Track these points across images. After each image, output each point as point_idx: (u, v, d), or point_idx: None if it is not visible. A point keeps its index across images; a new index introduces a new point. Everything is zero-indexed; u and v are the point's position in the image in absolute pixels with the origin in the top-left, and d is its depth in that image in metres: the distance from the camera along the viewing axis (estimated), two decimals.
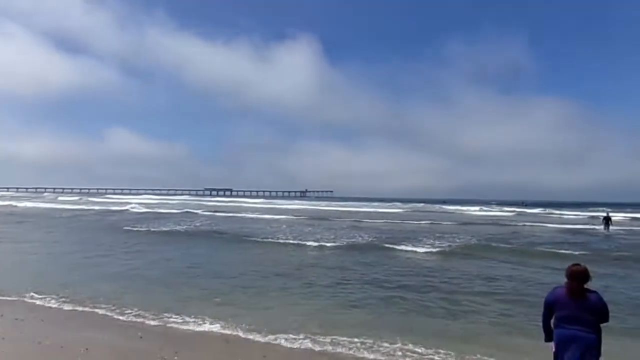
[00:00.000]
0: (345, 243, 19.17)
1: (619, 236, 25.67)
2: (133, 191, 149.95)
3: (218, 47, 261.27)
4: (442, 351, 6.42)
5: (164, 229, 24.68)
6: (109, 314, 8.13)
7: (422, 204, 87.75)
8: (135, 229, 24.32)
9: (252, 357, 6.18)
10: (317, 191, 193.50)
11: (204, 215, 38.62)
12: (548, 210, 63.57)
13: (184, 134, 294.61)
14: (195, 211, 43.63)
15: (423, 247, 18.08)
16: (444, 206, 77.73)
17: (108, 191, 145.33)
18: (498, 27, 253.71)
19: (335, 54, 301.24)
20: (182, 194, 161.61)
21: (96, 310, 8.30)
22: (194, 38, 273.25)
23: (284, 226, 28.02)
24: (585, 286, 4.23)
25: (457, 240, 20.68)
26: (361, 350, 6.48)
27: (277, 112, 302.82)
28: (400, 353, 6.41)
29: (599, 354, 4.18)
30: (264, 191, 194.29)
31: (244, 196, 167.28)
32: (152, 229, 24.30)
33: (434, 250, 17.46)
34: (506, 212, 59.02)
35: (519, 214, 55.35)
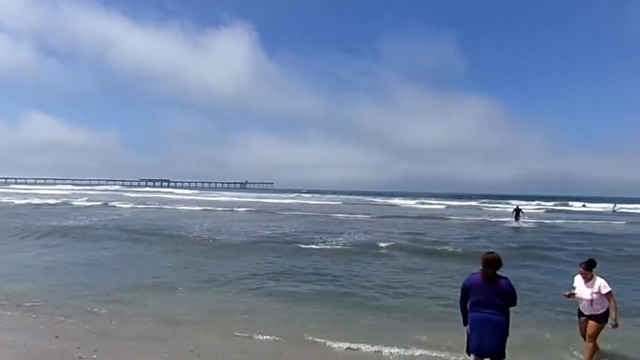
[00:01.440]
0: (250, 239, 18.26)
1: (528, 228, 26.97)
2: (49, 181, 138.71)
3: (148, 29, 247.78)
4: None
5: (54, 223, 21.42)
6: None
7: (357, 197, 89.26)
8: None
9: (182, 350, 6.04)
10: (258, 183, 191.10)
11: (122, 208, 35.99)
12: (481, 202, 67.23)
13: (114, 121, 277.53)
14: (114, 203, 40.61)
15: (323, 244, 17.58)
16: (376, 199, 79.14)
17: (19, 181, 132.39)
18: (429, 25, 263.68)
19: (272, 45, 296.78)
20: (114, 184, 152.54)
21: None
22: (120, 17, 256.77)
23: (201, 220, 26.61)
24: (498, 272, 4.57)
25: (359, 237, 20.47)
26: None
27: (213, 101, 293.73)
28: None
29: (506, 334, 4.56)
30: (202, 182, 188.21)
31: (182, 187, 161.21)
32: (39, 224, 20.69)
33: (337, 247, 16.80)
34: (439, 205, 61.15)
35: (448, 207, 57.57)
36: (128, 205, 38.83)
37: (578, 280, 5.93)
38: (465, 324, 4.79)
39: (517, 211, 29.10)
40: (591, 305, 5.74)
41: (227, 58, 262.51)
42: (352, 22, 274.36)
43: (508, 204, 59.57)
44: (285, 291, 9.66)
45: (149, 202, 45.20)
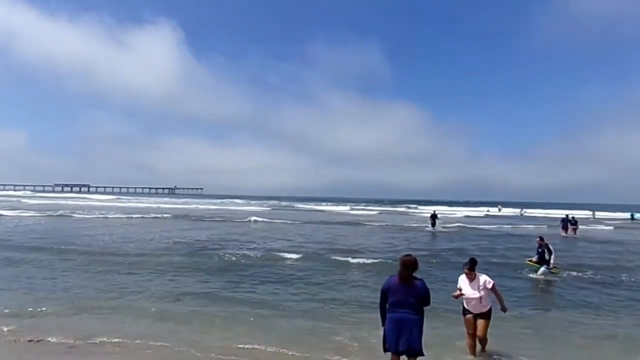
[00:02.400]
0: (149, 247, 16.45)
1: (442, 233, 27.52)
2: None
3: (61, 22, 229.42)
4: None
5: None
6: None
7: (286, 202, 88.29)
8: None
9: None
10: (188, 188, 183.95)
11: (6, 217, 31.73)
12: (408, 207, 69.14)
13: (20, 121, 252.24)
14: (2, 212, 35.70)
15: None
16: (306, 205, 78.67)
17: None
18: (355, 34, 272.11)
19: (199, 45, 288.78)
20: (22, 190, 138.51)
21: None
22: (26, 6, 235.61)
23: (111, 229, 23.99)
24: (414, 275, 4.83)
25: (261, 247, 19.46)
26: None
27: (136, 101, 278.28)
28: None
29: (421, 332, 4.77)
30: (127, 187, 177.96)
31: (105, 193, 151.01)
32: None
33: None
34: (367, 210, 61.86)
35: (381, 212, 58.71)
36: (26, 214, 34.46)
37: (463, 280, 6.08)
38: (383, 324, 4.91)
39: (434, 217, 29.52)
40: (480, 302, 5.90)
41: (151, 57, 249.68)
42: (280, 26, 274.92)
43: (441, 208, 62.05)
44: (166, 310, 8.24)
45: (56, 210, 40.58)
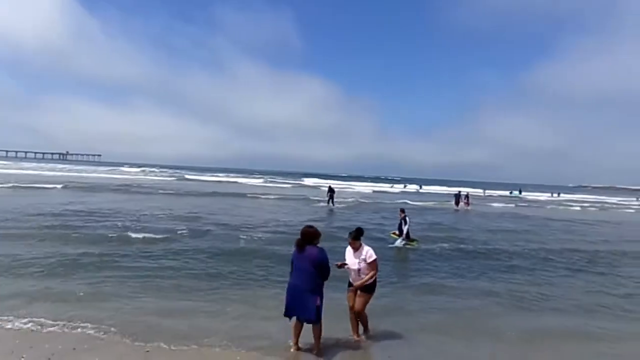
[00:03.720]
0: None
1: (336, 208, 26.30)
2: None
3: None
4: None
5: None
6: None
7: (193, 173, 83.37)
8: None
9: None
10: (83, 154, 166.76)
11: None
12: (316, 182, 69.02)
13: None
14: None
15: None
16: (214, 176, 75.22)
17: None
18: (266, 1, 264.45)
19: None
20: None
21: None
22: None
23: None
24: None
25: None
26: None
27: (16, 54, 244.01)
28: None
29: (315, 299, 4.91)
30: (7, 151, 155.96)
31: None
32: None
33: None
34: (287, 184, 60.82)
35: (295, 185, 58.42)
36: None
37: (348, 251, 5.83)
38: None
39: (331, 191, 28.07)
40: (359, 275, 5.67)
41: (32, 4, 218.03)
42: None
43: (346, 183, 63.04)
44: None
45: None
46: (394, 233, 14.25)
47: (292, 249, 5.12)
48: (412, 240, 13.52)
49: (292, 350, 5.18)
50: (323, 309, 5.06)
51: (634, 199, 76.40)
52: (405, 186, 73.46)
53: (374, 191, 55.97)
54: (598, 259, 13.17)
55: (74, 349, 4.99)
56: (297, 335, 5.17)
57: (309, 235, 5.01)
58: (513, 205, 41.97)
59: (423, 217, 23.03)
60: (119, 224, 14.54)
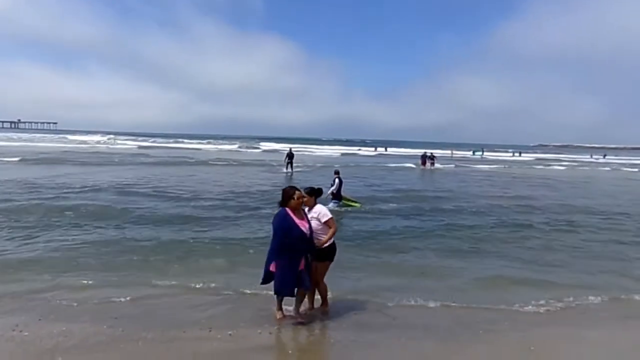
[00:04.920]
0: None
1: (296, 173, 25.73)
2: None
3: None
4: None
5: None
6: None
7: (154, 139, 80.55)
8: None
9: None
10: (36, 122, 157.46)
11: None
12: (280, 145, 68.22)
13: None
14: None
15: None
16: (177, 143, 72.97)
17: None
18: None
19: None
20: None
21: None
22: None
23: None
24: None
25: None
26: None
27: None
28: None
29: (268, 259, 4.91)
30: None
31: None
32: None
33: None
34: (249, 150, 60.59)
35: (265, 151, 58.40)
36: None
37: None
38: None
39: (290, 156, 26.99)
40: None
41: None
42: None
43: (309, 147, 63.13)
44: None
45: None
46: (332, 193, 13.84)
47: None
48: (352, 202, 13.48)
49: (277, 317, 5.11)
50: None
51: (589, 155, 79.74)
52: (375, 149, 73.27)
53: (344, 154, 55.96)
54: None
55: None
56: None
57: (282, 195, 5.06)
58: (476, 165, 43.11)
59: (394, 177, 25.08)
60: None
